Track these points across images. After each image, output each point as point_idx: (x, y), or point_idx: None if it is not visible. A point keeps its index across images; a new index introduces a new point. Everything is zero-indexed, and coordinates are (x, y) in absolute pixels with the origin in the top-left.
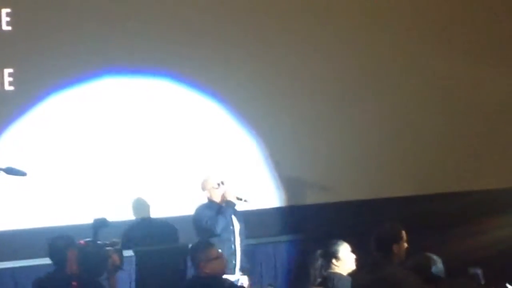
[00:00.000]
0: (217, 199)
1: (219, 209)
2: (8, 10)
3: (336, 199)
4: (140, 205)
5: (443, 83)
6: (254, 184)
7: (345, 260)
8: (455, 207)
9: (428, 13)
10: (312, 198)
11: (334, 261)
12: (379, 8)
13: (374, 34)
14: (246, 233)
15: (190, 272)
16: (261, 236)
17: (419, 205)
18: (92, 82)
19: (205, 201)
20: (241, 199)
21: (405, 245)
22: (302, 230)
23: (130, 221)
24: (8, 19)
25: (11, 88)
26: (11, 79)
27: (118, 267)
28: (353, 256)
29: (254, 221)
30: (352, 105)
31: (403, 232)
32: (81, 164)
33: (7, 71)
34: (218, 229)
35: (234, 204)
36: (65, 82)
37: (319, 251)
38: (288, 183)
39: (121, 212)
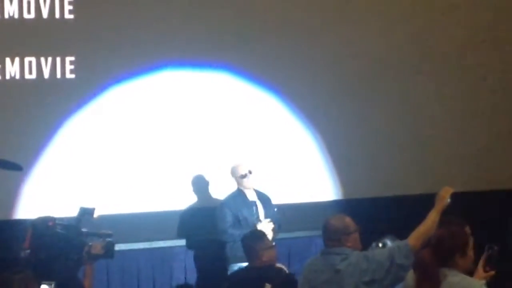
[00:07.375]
0: (244, 187)
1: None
2: None
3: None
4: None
5: None
6: (311, 176)
7: None
8: None
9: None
10: (368, 191)
11: None
12: None
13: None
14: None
15: None
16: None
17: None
18: (152, 74)
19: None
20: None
21: None
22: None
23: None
24: (70, 7)
25: (72, 76)
26: (72, 67)
27: (97, 256)
28: None
29: (309, 214)
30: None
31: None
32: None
33: (68, 59)
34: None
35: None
36: (124, 73)
37: None
38: (343, 176)
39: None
